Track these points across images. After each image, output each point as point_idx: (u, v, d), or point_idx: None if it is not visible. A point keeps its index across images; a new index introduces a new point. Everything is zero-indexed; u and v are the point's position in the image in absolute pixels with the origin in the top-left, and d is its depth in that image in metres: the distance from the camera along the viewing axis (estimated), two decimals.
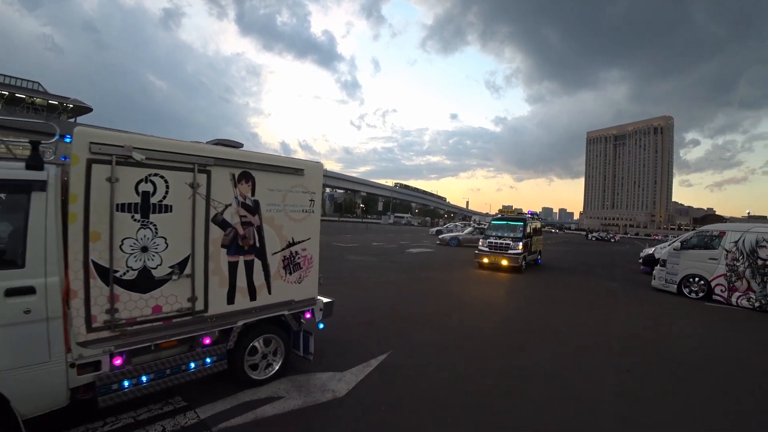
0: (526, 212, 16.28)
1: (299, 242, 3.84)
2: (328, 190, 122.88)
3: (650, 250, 16.38)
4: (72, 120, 61.19)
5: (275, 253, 3.64)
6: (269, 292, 3.61)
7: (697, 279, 9.78)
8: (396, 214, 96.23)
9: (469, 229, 27.35)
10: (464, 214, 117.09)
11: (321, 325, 4.16)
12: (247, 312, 3.46)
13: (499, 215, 16.18)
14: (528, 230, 13.81)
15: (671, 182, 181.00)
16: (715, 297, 9.34)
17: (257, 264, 3.52)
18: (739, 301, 8.92)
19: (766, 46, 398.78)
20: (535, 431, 3.13)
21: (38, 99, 58.07)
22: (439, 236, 26.02)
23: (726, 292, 9.19)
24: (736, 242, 9.14)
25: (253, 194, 3.43)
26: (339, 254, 15.18)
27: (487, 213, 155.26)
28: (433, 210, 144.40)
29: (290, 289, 3.79)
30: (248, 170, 3.38)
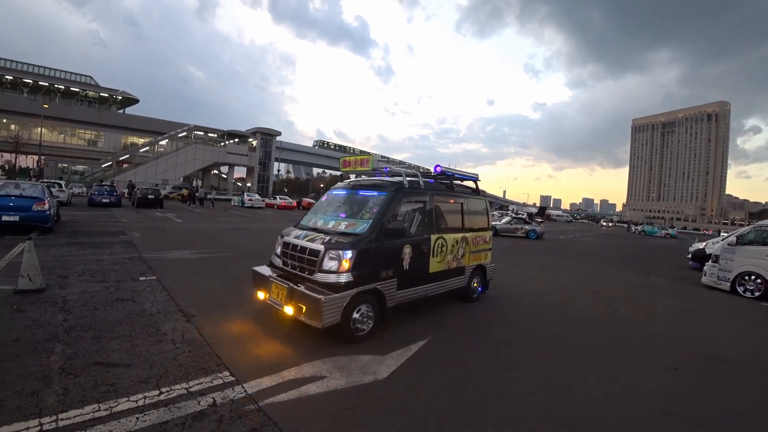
0: (428, 170, 6.24)
1: None
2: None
3: (700, 245, 15.44)
4: (121, 111, 64.92)
5: None
6: None
7: (753, 277, 9.12)
8: None
9: (507, 218, 26.82)
10: (501, 204, 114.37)
11: None
12: None
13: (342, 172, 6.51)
14: (408, 218, 5.05)
15: (725, 173, 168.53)
16: None
17: None
18: None
19: None
20: (574, 419, 3.08)
21: (90, 92, 61.91)
22: None
23: None
24: None
25: None
26: None
27: (524, 203, 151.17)
28: None
29: None
30: None
